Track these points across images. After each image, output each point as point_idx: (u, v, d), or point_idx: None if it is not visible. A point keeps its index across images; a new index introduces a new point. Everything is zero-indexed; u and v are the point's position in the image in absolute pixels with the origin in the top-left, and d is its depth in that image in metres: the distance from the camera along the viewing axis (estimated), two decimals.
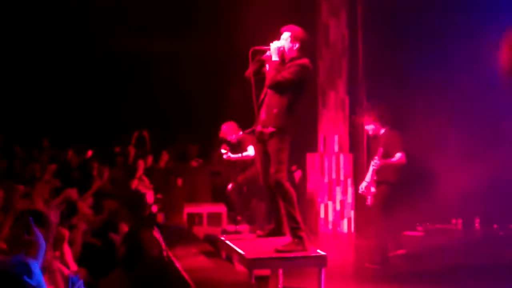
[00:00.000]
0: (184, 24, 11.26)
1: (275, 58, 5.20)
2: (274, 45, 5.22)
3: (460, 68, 8.84)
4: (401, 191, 7.14)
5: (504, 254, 7.69)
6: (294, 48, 5.24)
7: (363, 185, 7.05)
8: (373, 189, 7.00)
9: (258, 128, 5.21)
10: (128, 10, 11.48)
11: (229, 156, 7.99)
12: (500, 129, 8.93)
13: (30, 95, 11.87)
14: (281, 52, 5.22)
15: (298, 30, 5.33)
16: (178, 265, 3.79)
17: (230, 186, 8.59)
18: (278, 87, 5.10)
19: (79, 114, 12.04)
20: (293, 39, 5.26)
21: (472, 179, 8.56)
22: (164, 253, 3.96)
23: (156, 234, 4.14)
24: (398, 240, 7.44)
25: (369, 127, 7.30)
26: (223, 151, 8.29)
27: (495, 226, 9.49)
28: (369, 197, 7.01)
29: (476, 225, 9.62)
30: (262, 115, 5.20)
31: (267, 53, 5.29)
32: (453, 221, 9.72)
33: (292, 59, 5.19)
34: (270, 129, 5.09)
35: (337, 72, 9.77)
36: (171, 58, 11.79)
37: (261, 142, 5.25)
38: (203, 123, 11.12)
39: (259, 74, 5.33)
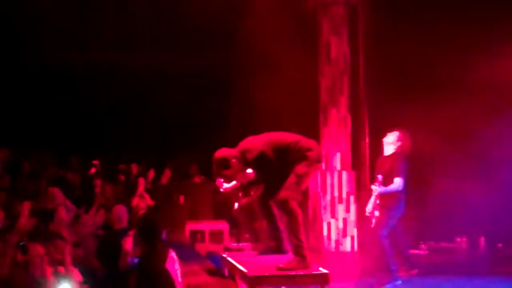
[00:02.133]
0: (186, 41, 11.28)
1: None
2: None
3: (464, 84, 8.84)
4: (405, 213, 7.07)
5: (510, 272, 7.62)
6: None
7: (369, 207, 7.03)
8: (377, 213, 6.98)
9: None
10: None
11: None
12: (506, 148, 8.89)
13: (34, 108, 11.88)
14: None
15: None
16: None
17: (236, 205, 8.53)
18: None
19: (83, 129, 12.04)
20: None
21: (477, 198, 8.53)
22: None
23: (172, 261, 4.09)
24: (410, 261, 7.35)
25: (388, 142, 7.21)
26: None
27: (500, 245, 9.41)
28: (373, 220, 6.98)
29: (481, 243, 9.54)
30: None
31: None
32: (457, 239, 9.65)
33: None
34: None
35: (338, 89, 9.77)
36: (170, 74, 11.79)
37: None
38: (204, 140, 11.12)
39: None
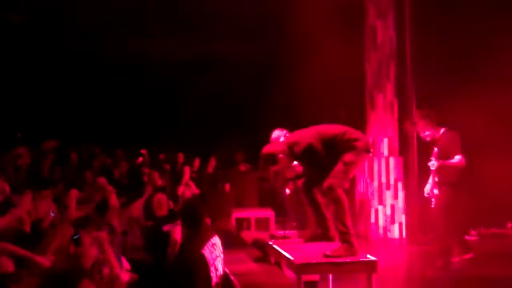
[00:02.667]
0: (230, 27, 11.26)
1: None
2: None
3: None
4: (463, 193, 6.90)
5: None
6: None
7: (427, 187, 6.89)
8: (436, 191, 6.82)
9: None
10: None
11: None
12: None
13: (74, 100, 12.11)
14: None
15: None
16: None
17: (287, 191, 8.55)
18: None
19: (126, 120, 12.22)
20: None
21: None
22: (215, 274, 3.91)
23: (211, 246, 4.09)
24: (466, 244, 7.16)
25: (426, 134, 7.09)
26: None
27: None
28: (433, 199, 6.83)
29: None
30: None
31: None
32: (509, 225, 9.42)
33: None
34: None
35: (385, 74, 9.63)
36: (215, 62, 11.81)
37: None
38: (250, 127, 11.13)
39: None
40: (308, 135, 5.18)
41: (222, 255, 4.35)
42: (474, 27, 9.00)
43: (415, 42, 9.37)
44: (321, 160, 5.06)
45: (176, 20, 11.27)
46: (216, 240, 4.30)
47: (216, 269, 4.10)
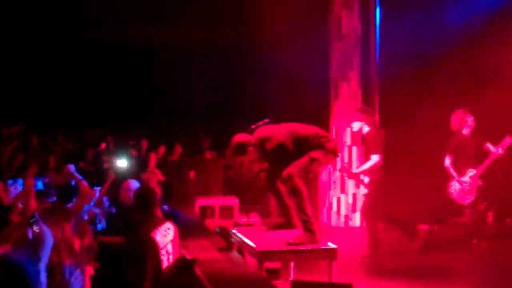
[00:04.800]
0: (192, 14, 11.20)
1: None
2: None
3: (477, 60, 8.74)
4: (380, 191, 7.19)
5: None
6: None
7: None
8: (365, 190, 7.34)
9: None
10: None
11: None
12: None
13: (41, 85, 11.94)
14: None
15: None
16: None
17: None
18: None
19: (90, 105, 12.09)
20: None
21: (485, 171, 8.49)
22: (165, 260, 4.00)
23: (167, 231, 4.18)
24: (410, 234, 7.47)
25: (355, 125, 7.42)
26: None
27: (508, 220, 9.39)
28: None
29: (489, 218, 9.51)
30: None
31: None
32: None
33: None
34: None
35: (349, 64, 9.74)
36: (180, 49, 11.75)
37: None
38: (217, 115, 11.15)
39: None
40: (281, 132, 5.24)
41: (177, 240, 4.44)
42: (443, 17, 9.16)
43: (380, 32, 9.49)
44: (289, 158, 5.13)
45: (150, 5, 11.17)
46: (170, 225, 4.41)
47: (168, 253, 4.20)
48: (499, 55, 8.50)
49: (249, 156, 5.28)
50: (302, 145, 5.17)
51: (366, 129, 7.29)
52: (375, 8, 9.50)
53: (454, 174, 7.67)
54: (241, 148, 5.25)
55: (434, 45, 9.25)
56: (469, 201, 7.67)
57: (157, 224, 4.34)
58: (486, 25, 8.81)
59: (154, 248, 4.10)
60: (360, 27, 9.71)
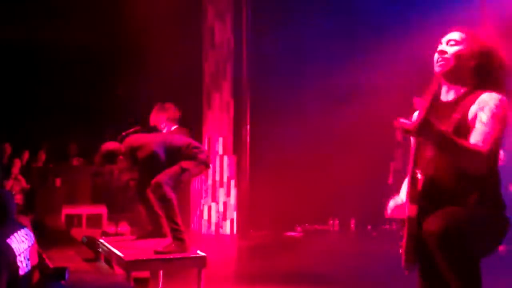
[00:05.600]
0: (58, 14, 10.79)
1: None
2: None
3: (342, 71, 9.21)
4: None
5: (376, 252, 8.09)
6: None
7: None
8: None
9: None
10: None
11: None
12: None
13: None
14: None
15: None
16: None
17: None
18: None
19: None
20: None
21: (346, 180, 8.96)
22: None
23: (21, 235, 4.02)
24: None
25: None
26: None
27: (369, 227, 9.95)
28: None
29: (352, 226, 10.04)
30: None
31: None
32: (330, 221, 10.08)
33: None
34: None
35: (222, 74, 9.87)
36: (48, 48, 11.24)
37: None
38: (84, 120, 10.81)
39: None
40: (154, 141, 5.20)
41: (35, 246, 4.29)
42: (307, 29, 9.55)
43: (252, 43, 9.71)
44: (160, 168, 5.11)
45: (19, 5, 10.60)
46: (27, 231, 4.25)
47: (27, 259, 4.05)
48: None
49: (119, 164, 5.21)
50: (174, 155, 5.18)
51: (171, 127, 6.48)
52: (247, 20, 9.70)
53: None
54: (111, 157, 5.17)
55: (300, 58, 9.67)
56: None
57: (13, 229, 4.15)
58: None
59: (10, 256, 3.91)
60: (233, 39, 9.87)
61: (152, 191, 5.09)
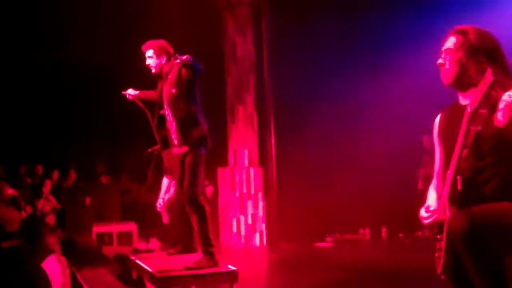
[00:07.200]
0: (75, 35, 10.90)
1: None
2: None
3: (362, 82, 9.20)
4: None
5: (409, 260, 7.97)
6: (163, 62, 5.28)
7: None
8: None
9: (175, 150, 5.19)
10: None
11: None
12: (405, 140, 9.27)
13: None
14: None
15: (157, 43, 5.35)
16: None
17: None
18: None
19: None
20: (158, 54, 5.30)
21: (376, 188, 8.90)
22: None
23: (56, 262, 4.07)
24: None
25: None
26: None
27: (401, 235, 9.84)
28: None
29: (383, 234, 9.94)
30: (172, 134, 5.20)
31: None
32: (361, 231, 10.01)
33: (170, 70, 5.21)
34: (184, 149, 5.08)
35: (245, 87, 9.89)
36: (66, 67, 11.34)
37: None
38: (112, 138, 10.90)
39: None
40: None
41: (67, 270, 4.33)
42: (326, 40, 9.55)
43: (273, 56, 9.74)
44: None
45: None
46: (58, 255, 4.30)
47: (60, 284, 4.08)
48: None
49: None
50: None
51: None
52: (268, 33, 9.74)
53: None
54: None
55: (322, 69, 9.67)
56: None
57: (46, 253, 4.19)
58: None
59: (45, 281, 3.96)
60: (254, 52, 9.90)
61: (188, 205, 5.06)
